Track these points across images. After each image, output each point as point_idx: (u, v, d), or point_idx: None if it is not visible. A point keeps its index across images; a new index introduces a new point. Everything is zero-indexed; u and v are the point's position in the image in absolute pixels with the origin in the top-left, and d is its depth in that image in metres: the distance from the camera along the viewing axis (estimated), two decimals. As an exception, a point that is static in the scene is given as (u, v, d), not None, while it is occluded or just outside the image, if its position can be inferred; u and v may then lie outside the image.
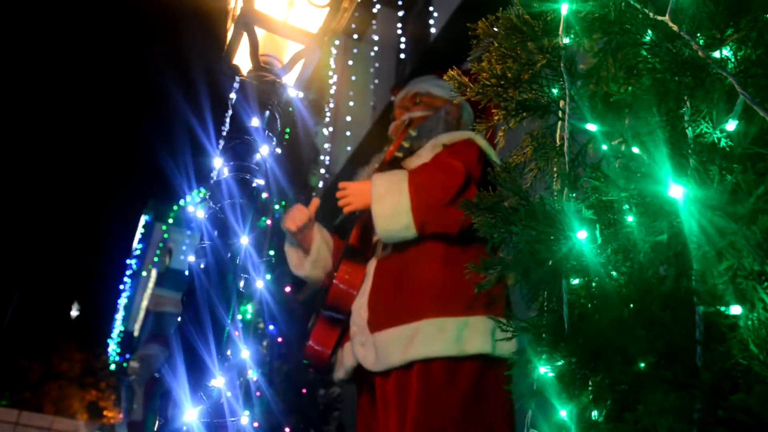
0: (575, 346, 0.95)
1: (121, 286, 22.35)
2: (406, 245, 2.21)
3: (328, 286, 2.43)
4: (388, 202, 2.15)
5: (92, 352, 21.92)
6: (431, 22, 6.96)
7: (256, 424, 3.60)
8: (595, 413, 0.92)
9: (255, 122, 1.76)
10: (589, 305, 1.01)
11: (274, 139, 1.85)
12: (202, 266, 1.55)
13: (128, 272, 22.01)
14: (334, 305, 2.34)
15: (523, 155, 1.31)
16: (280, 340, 3.81)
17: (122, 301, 21.84)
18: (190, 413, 1.39)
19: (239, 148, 1.73)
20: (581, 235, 1.00)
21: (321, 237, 2.54)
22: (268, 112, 1.81)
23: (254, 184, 1.73)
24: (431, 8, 7.16)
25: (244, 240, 1.62)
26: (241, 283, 1.67)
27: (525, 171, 1.32)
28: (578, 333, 0.97)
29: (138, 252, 21.45)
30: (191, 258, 1.61)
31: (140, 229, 21.89)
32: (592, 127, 1.11)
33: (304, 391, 4.20)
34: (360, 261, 2.39)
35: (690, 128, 0.97)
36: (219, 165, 1.70)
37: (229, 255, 1.58)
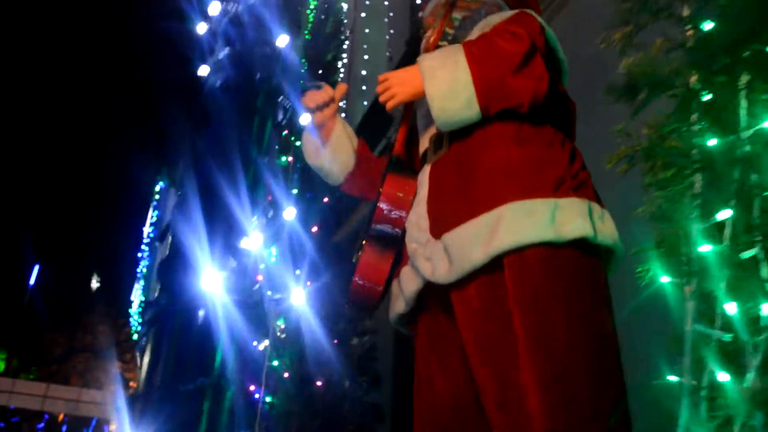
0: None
1: (139, 254, 22.25)
2: (465, 135, 1.89)
3: (373, 205, 2.05)
4: (444, 77, 1.83)
5: (115, 324, 22.06)
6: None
7: (286, 375, 3.50)
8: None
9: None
10: None
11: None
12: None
13: (145, 240, 21.91)
14: (382, 227, 1.99)
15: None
16: (309, 284, 3.68)
17: (141, 269, 21.70)
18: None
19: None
20: None
21: (343, 128, 2.25)
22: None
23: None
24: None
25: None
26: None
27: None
28: None
29: (154, 219, 21.33)
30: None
31: (155, 196, 21.72)
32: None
33: (335, 342, 4.06)
34: (409, 175, 2.05)
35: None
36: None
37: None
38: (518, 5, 2.41)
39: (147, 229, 22.02)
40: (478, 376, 1.76)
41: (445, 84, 1.83)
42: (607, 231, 1.76)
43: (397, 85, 1.96)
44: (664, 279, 1.84)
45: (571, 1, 4.48)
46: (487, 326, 1.72)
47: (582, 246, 1.71)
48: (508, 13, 2.07)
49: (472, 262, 1.71)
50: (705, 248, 1.48)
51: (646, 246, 1.91)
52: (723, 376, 1.54)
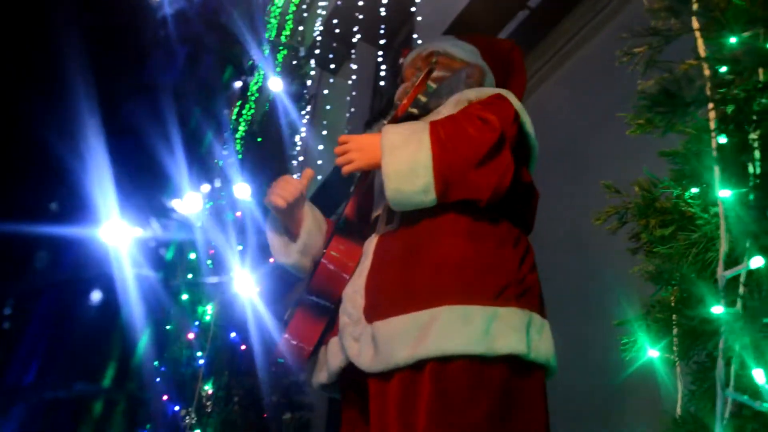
0: None
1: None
2: (418, 217, 1.79)
3: (313, 267, 2.03)
4: (404, 156, 1.73)
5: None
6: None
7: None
8: None
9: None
10: None
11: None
12: None
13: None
14: (319, 290, 1.91)
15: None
16: (243, 348, 3.33)
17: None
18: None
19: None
20: None
21: (313, 218, 2.12)
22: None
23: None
24: (414, 36, 7.02)
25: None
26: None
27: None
28: None
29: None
30: None
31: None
32: None
33: (264, 416, 3.68)
34: (356, 239, 1.96)
35: None
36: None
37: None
38: (502, 70, 2.33)
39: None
40: None
41: (404, 166, 1.71)
42: (542, 347, 1.67)
43: (356, 151, 1.84)
44: (653, 352, 1.65)
45: (561, 68, 4.52)
46: (388, 424, 1.61)
47: (513, 361, 1.62)
48: (485, 92, 1.99)
49: (396, 361, 1.62)
50: (717, 309, 1.27)
51: (631, 315, 1.72)
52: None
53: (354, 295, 1.82)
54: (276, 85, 1.86)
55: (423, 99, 2.04)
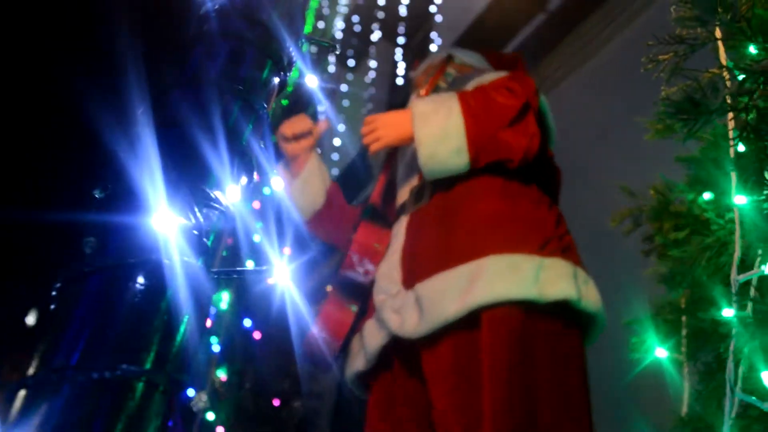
0: None
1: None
2: (449, 186, 1.78)
3: (343, 253, 2.02)
4: (436, 122, 1.73)
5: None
6: (432, 49, 6.86)
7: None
8: None
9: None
10: None
11: None
12: None
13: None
14: (350, 276, 1.87)
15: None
16: (257, 336, 3.40)
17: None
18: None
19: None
20: None
21: (317, 164, 2.13)
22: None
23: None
24: (433, 34, 7.07)
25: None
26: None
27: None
28: None
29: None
30: None
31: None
32: None
33: (276, 402, 3.74)
34: (383, 225, 1.95)
35: None
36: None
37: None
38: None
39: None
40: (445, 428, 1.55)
41: (437, 129, 1.72)
42: (591, 297, 1.65)
43: (383, 128, 1.84)
44: (661, 352, 1.69)
45: (577, 72, 4.53)
46: (461, 384, 1.54)
47: (563, 310, 1.60)
48: (504, 72, 2.02)
49: (445, 315, 1.55)
50: (728, 312, 1.31)
51: (641, 315, 1.76)
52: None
53: (390, 272, 1.78)
54: (312, 81, 1.90)
55: (443, 85, 2.08)
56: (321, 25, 8.95)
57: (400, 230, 1.85)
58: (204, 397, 2.65)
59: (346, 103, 8.52)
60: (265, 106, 1.28)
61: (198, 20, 1.37)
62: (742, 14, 1.09)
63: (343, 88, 8.71)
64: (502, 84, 1.82)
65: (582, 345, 1.66)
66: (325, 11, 9.67)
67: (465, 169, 1.73)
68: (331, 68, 8.84)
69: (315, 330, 1.82)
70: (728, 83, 1.33)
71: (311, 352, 1.82)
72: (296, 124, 2.08)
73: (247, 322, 3.34)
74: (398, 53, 7.90)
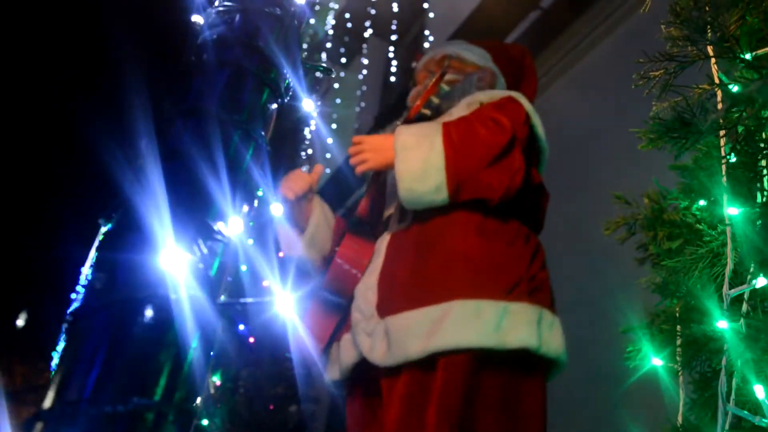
0: None
1: (73, 296, 21.16)
2: (430, 215, 1.82)
3: (324, 264, 2.06)
4: (417, 157, 1.76)
5: (35, 367, 20.56)
6: (426, 45, 6.84)
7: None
8: None
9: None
10: None
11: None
12: None
13: (82, 282, 20.89)
14: (332, 287, 1.92)
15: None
16: (252, 341, 3.39)
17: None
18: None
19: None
20: None
21: (321, 211, 2.15)
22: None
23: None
24: (426, 32, 7.05)
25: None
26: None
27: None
28: None
29: (94, 261, 20.45)
30: None
31: (99, 238, 20.92)
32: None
33: (271, 407, 3.74)
34: (368, 237, 1.98)
35: None
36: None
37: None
38: (513, 74, 2.37)
39: (86, 271, 21.00)
40: None
41: (417, 165, 1.75)
42: (552, 342, 1.68)
43: (370, 151, 1.87)
44: (656, 361, 1.69)
45: (572, 69, 4.54)
46: (409, 418, 1.61)
47: (523, 354, 1.64)
48: (497, 95, 2.02)
49: (408, 354, 1.63)
50: (722, 324, 1.32)
51: (636, 324, 1.77)
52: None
53: (366, 291, 1.83)
54: (309, 105, 1.89)
55: (435, 101, 2.08)
56: (312, 21, 8.94)
57: (382, 247, 1.90)
58: (198, 402, 2.66)
59: (338, 101, 8.50)
60: (263, 134, 1.28)
61: (196, 49, 1.38)
62: (731, 33, 1.10)
63: (336, 85, 8.69)
64: (488, 115, 1.83)
65: (542, 387, 1.70)
66: (317, 8, 9.65)
67: (443, 203, 1.76)
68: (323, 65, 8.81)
69: (303, 330, 1.89)
70: (720, 103, 1.33)
71: (306, 356, 1.90)
72: (296, 183, 2.07)
73: (241, 327, 3.35)
74: (391, 51, 7.89)
